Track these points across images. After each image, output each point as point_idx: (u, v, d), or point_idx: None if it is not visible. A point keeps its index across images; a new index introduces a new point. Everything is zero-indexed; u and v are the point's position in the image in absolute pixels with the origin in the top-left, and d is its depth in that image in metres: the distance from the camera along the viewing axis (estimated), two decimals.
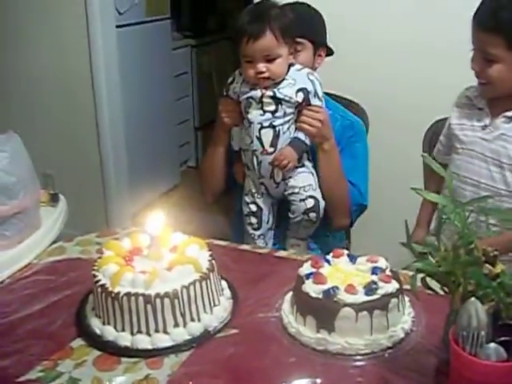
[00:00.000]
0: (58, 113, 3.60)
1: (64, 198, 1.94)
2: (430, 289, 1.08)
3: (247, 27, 1.65)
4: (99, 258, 1.36)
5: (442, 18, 2.47)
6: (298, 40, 1.79)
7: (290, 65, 1.73)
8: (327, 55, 1.95)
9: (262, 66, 1.66)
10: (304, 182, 1.79)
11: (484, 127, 1.76)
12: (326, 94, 1.96)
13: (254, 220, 1.86)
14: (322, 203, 1.81)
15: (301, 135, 1.74)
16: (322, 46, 1.90)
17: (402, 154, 2.60)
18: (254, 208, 1.85)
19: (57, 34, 3.44)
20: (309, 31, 1.84)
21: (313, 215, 1.80)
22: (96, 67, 3.41)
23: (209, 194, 2.01)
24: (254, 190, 1.85)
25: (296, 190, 1.79)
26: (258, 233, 1.87)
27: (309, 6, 1.93)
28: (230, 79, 1.80)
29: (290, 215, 1.82)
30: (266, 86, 1.69)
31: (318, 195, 1.81)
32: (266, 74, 1.67)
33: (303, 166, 1.80)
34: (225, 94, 1.81)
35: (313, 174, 1.81)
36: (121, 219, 3.65)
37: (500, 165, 1.71)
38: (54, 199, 1.89)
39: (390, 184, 2.55)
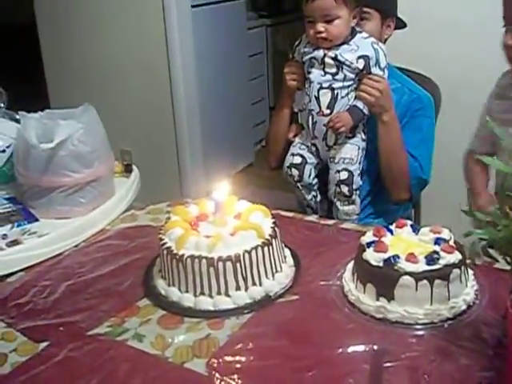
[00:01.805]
0: (135, 92, 3.69)
1: (138, 171, 2.00)
2: (491, 257, 1.06)
3: None
4: (166, 222, 1.40)
5: None
6: (364, 9, 1.78)
7: (357, 32, 1.73)
8: (400, 27, 1.92)
9: (320, 26, 1.68)
10: (345, 154, 1.80)
11: None
12: (398, 68, 1.95)
13: (295, 172, 1.87)
14: (358, 181, 1.82)
15: (359, 104, 1.74)
16: (390, 17, 1.88)
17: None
18: (298, 160, 1.87)
19: (134, 13, 3.52)
20: (375, 1, 1.82)
21: (344, 188, 1.81)
22: (172, 47, 3.47)
23: (272, 157, 2.03)
24: (303, 144, 1.86)
25: (336, 160, 1.81)
26: (300, 186, 1.89)
27: None
28: (296, 42, 1.82)
29: (328, 185, 1.84)
30: (328, 48, 1.70)
31: (355, 171, 1.81)
32: (323, 35, 1.68)
33: (354, 136, 1.80)
34: (291, 56, 1.83)
35: (359, 148, 1.81)
36: (195, 197, 3.70)
37: None
38: (127, 170, 1.96)
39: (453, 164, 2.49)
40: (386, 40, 1.88)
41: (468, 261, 1.21)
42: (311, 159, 1.87)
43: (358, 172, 1.83)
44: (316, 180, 1.90)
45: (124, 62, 3.66)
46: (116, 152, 3.50)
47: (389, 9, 1.88)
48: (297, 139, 1.89)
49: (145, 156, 3.73)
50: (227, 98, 4.14)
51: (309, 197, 1.92)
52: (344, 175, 1.81)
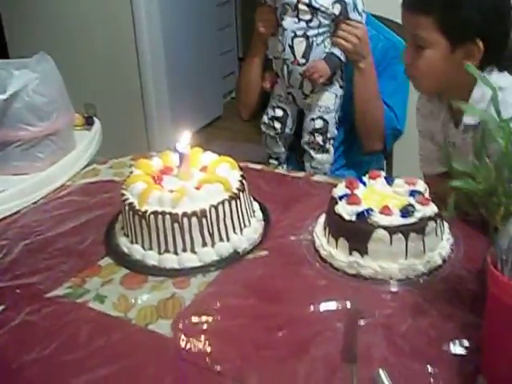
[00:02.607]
0: (99, 43, 3.57)
1: (103, 125, 1.91)
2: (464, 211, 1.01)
3: None
4: (128, 177, 1.33)
5: None
6: None
7: None
8: None
9: None
10: (322, 102, 1.75)
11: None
12: (373, 15, 1.87)
13: (277, 125, 1.82)
14: (333, 131, 1.78)
15: (336, 51, 1.68)
16: None
17: None
18: (279, 112, 1.82)
19: None
20: None
21: (319, 137, 1.77)
22: None
23: (243, 108, 1.97)
24: (282, 96, 1.80)
25: (312, 108, 1.76)
26: (279, 138, 1.84)
27: None
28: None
29: (302, 135, 1.79)
30: None
31: (331, 120, 1.76)
32: None
33: (331, 84, 1.74)
34: (263, 1, 1.74)
35: (336, 96, 1.75)
36: (162, 150, 3.63)
37: None
38: (88, 122, 1.87)
39: None
40: None
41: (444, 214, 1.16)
42: (291, 111, 1.81)
43: (334, 121, 1.78)
44: (293, 132, 1.85)
45: (87, 11, 3.52)
46: (80, 105, 3.40)
47: None
48: (275, 90, 1.82)
49: (110, 109, 3.62)
50: (194, 48, 4.02)
51: (283, 149, 1.87)
52: (319, 124, 1.77)
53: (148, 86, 3.60)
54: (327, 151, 1.80)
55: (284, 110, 1.82)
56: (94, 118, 1.89)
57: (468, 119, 1.34)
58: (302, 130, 1.83)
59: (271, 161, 1.91)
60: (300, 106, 1.81)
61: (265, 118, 1.85)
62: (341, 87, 1.77)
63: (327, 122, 1.76)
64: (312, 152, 1.81)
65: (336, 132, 1.80)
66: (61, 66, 1.70)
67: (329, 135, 1.78)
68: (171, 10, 3.67)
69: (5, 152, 1.58)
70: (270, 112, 1.84)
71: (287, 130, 1.84)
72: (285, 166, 1.89)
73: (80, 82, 3.47)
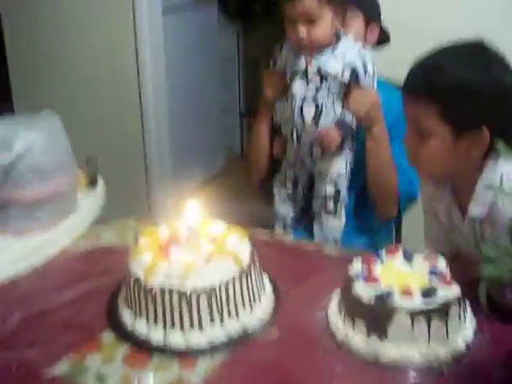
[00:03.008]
0: (102, 96, 3.55)
1: (104, 181, 1.87)
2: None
3: None
4: (134, 246, 1.27)
5: None
6: (347, 6, 1.69)
7: (342, 35, 1.63)
8: (383, 41, 1.84)
9: (302, 28, 1.58)
10: (333, 169, 1.72)
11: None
12: (385, 79, 1.85)
13: (289, 186, 1.81)
14: (344, 196, 1.74)
15: (347, 116, 1.65)
16: (374, 21, 1.79)
17: None
18: (290, 175, 1.80)
19: (103, 18, 3.38)
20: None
21: (330, 203, 1.73)
22: (141, 51, 3.34)
23: (255, 173, 1.93)
24: (291, 160, 1.78)
25: (322, 174, 1.73)
26: (290, 200, 1.82)
27: None
28: (276, 49, 1.71)
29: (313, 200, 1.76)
30: (311, 57, 1.61)
31: (342, 186, 1.73)
32: (305, 36, 1.58)
33: (341, 150, 1.71)
34: (271, 64, 1.72)
35: (346, 162, 1.72)
36: (163, 205, 3.59)
37: None
38: (92, 182, 1.82)
39: None
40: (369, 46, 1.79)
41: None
42: (302, 175, 1.79)
43: (345, 186, 1.75)
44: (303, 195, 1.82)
45: (93, 67, 3.51)
46: (81, 159, 3.37)
47: (372, 10, 1.80)
48: (285, 154, 1.79)
49: (111, 163, 3.56)
50: (197, 103, 4.02)
51: (292, 213, 1.83)
52: (331, 190, 1.73)
53: (150, 140, 3.57)
54: (339, 216, 1.76)
55: (295, 173, 1.79)
56: (98, 179, 1.84)
57: (474, 211, 1.27)
58: (312, 195, 1.79)
59: (277, 224, 1.85)
60: (310, 171, 1.77)
61: (277, 181, 1.82)
62: (351, 151, 1.74)
63: (339, 188, 1.73)
64: (323, 217, 1.77)
65: (347, 197, 1.77)
66: (64, 120, 1.67)
67: (340, 201, 1.75)
68: (175, 65, 3.68)
69: (5, 212, 1.54)
70: (282, 174, 1.81)
71: (299, 193, 1.81)
72: (291, 231, 1.84)
73: (82, 136, 3.44)
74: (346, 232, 1.82)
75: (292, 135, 1.70)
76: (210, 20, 4.13)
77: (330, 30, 1.60)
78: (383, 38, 1.84)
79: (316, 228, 1.79)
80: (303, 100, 1.63)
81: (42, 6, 3.54)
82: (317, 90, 1.62)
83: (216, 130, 4.39)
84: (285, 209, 1.83)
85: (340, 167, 1.72)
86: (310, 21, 1.57)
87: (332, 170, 1.72)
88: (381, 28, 1.83)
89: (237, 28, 4.66)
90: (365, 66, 1.62)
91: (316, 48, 1.61)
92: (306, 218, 1.85)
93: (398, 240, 2.06)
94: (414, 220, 1.94)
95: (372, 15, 1.79)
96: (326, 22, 1.58)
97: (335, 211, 1.74)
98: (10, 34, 3.74)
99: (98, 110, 3.57)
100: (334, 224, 1.76)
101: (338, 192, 1.73)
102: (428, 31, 2.47)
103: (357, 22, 1.74)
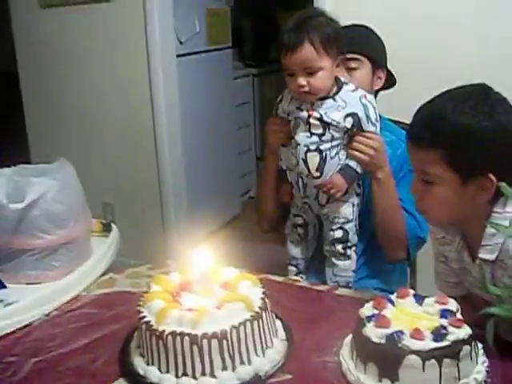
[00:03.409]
0: (118, 142, 3.60)
1: (120, 228, 1.88)
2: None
3: (286, 38, 1.57)
4: (145, 292, 1.28)
5: None
6: (354, 56, 1.72)
7: (343, 84, 1.64)
8: (390, 86, 1.85)
9: (302, 80, 1.57)
10: (340, 213, 1.71)
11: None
12: (391, 120, 1.86)
13: (300, 231, 1.80)
14: (354, 240, 1.74)
15: (352, 163, 1.65)
16: (381, 68, 1.81)
17: None
18: (299, 220, 1.79)
19: (118, 62, 3.45)
20: (365, 47, 1.76)
21: (339, 246, 1.72)
22: (156, 97, 3.39)
23: (263, 220, 1.94)
24: (298, 206, 1.78)
25: (330, 218, 1.73)
26: (302, 244, 1.81)
27: (367, 27, 1.84)
28: (278, 98, 1.72)
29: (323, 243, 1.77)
30: (312, 106, 1.61)
31: (351, 229, 1.73)
32: (306, 88, 1.58)
33: (347, 193, 1.70)
34: (274, 112, 1.73)
35: (353, 206, 1.72)
36: (179, 251, 3.59)
37: None
38: (106, 229, 1.84)
39: None
40: (376, 92, 1.80)
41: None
42: (310, 219, 1.79)
43: (354, 230, 1.74)
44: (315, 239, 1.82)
45: (108, 111, 3.58)
46: (98, 205, 3.41)
47: (379, 57, 1.81)
48: (293, 199, 1.80)
49: (128, 209, 3.62)
50: (213, 148, 4.06)
51: (305, 255, 1.83)
52: (339, 234, 1.73)
53: (167, 186, 3.59)
54: (349, 258, 1.75)
55: (303, 218, 1.79)
56: (112, 225, 1.86)
57: (485, 254, 1.25)
58: (322, 238, 1.79)
59: (290, 268, 1.85)
60: (316, 214, 1.78)
61: (288, 224, 1.83)
62: (357, 195, 1.74)
63: (347, 232, 1.72)
64: (334, 259, 1.76)
65: (356, 239, 1.76)
66: (80, 167, 1.69)
67: (349, 243, 1.74)
68: (192, 109, 3.73)
69: (19, 260, 1.55)
70: (292, 219, 1.81)
71: (310, 236, 1.81)
72: (304, 277, 1.83)
73: (98, 183, 3.49)
74: (358, 276, 1.82)
75: (298, 183, 1.71)
76: (224, 64, 4.19)
77: (330, 80, 1.60)
78: (390, 82, 1.86)
79: (328, 271, 1.78)
80: (307, 149, 1.63)
81: (58, 55, 3.62)
82: (320, 138, 1.62)
83: (233, 175, 4.42)
84: (296, 253, 1.83)
85: (346, 212, 1.72)
86: (309, 72, 1.57)
87: (339, 214, 1.72)
88: (387, 71, 1.84)
89: (251, 72, 4.73)
90: (367, 114, 1.62)
91: (317, 98, 1.61)
92: (318, 262, 1.84)
93: (413, 282, 2.05)
94: (428, 262, 1.93)
95: (378, 62, 1.80)
96: (326, 72, 1.58)
97: (345, 252, 1.74)
98: (26, 85, 3.83)
99: (114, 158, 3.62)
100: (345, 265, 1.75)
101: (346, 235, 1.72)
102: (433, 71, 2.51)
103: (363, 70, 1.75)
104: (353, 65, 1.73)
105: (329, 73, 1.59)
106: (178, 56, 3.52)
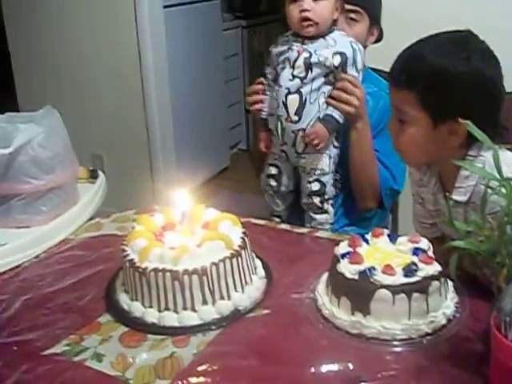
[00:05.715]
0: (106, 95, 3.60)
1: (110, 176, 1.91)
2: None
3: None
4: (130, 232, 1.32)
5: None
6: (356, 8, 1.74)
7: (335, 29, 1.66)
8: (376, 41, 1.87)
9: (307, 3, 1.60)
10: (316, 165, 1.73)
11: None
12: (373, 69, 1.88)
13: (273, 183, 1.82)
14: (331, 191, 1.76)
15: (335, 113, 1.67)
16: (376, 25, 1.83)
17: None
18: (273, 170, 1.81)
19: (104, 14, 3.43)
20: (366, 1, 1.77)
21: (316, 199, 1.75)
22: (143, 48, 3.39)
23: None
24: (276, 154, 1.80)
25: (307, 170, 1.75)
26: (276, 196, 1.84)
27: None
28: (268, 60, 1.75)
29: (301, 195, 1.79)
30: (303, 46, 1.64)
31: (327, 181, 1.75)
32: (309, 14, 1.60)
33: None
34: (265, 59, 1.76)
35: (330, 157, 1.74)
36: (168, 201, 3.63)
37: None
38: (92, 175, 1.88)
39: None
40: (365, 47, 1.83)
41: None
42: (286, 169, 1.80)
43: (331, 182, 1.76)
44: (291, 189, 1.84)
45: (95, 63, 3.57)
46: (87, 156, 3.42)
47: (377, 15, 1.83)
48: (272, 148, 1.82)
49: (117, 160, 3.65)
50: (202, 101, 4.06)
51: (282, 207, 1.85)
52: (316, 186, 1.75)
53: (155, 138, 3.61)
54: (326, 211, 1.78)
55: (278, 167, 1.80)
56: (99, 172, 1.89)
57: (458, 196, 1.29)
58: (299, 191, 1.82)
59: (273, 218, 1.89)
60: (294, 164, 1.79)
61: (262, 176, 1.85)
62: (335, 147, 1.75)
63: (324, 184, 1.74)
64: (311, 213, 1.79)
65: (334, 192, 1.78)
66: (69, 118, 1.72)
67: (326, 196, 1.76)
68: (179, 62, 3.72)
69: (7, 205, 1.59)
70: (266, 170, 1.83)
71: (283, 188, 1.82)
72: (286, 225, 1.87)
73: (87, 133, 3.51)
74: (338, 224, 1.86)
75: (276, 128, 1.72)
76: (213, 15, 4.17)
77: (331, 14, 1.63)
78: (378, 37, 1.87)
79: (307, 225, 1.81)
80: (288, 91, 1.65)
81: (44, 5, 3.59)
82: (302, 81, 1.64)
83: (222, 127, 4.43)
84: (273, 204, 1.86)
85: (323, 163, 1.73)
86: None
87: (315, 166, 1.73)
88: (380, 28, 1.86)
89: (241, 24, 4.70)
90: (355, 57, 1.64)
91: (313, 31, 1.63)
92: (297, 214, 1.87)
93: (395, 230, 2.10)
94: (410, 210, 1.98)
95: (375, 19, 1.82)
96: (329, 4, 1.61)
97: (322, 206, 1.76)
98: (12, 33, 3.79)
99: (102, 107, 3.62)
100: (322, 218, 1.78)
101: (323, 187, 1.74)
102: (422, 23, 2.51)
103: (362, 24, 1.77)
104: (353, 16, 1.75)
105: (331, 5, 1.63)
106: (166, 7, 3.50)
